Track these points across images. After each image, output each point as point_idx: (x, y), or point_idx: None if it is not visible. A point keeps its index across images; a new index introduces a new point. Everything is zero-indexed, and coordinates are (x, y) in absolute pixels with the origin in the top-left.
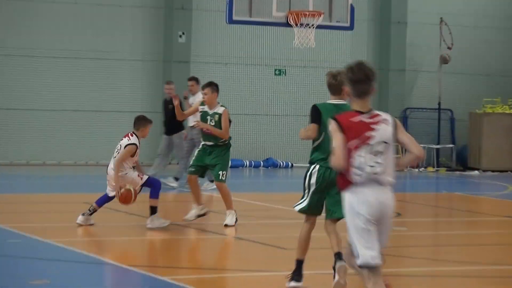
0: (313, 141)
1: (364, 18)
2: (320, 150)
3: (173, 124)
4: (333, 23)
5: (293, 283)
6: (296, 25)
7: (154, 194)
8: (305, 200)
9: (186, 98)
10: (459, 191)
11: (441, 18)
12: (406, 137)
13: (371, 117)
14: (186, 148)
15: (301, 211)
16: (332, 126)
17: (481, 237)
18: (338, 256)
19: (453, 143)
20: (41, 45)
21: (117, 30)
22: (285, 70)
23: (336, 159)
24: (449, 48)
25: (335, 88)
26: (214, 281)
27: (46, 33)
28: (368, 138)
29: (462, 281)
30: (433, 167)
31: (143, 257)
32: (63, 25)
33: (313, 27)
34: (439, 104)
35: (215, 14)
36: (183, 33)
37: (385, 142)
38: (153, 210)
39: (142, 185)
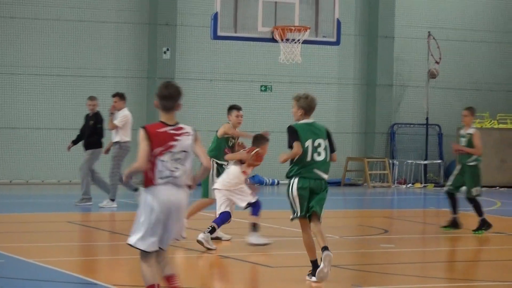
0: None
1: (351, 32)
2: (298, 164)
3: (92, 139)
4: (320, 38)
5: (314, 278)
6: (282, 40)
7: (256, 212)
8: (296, 211)
9: (112, 114)
10: (447, 208)
11: (429, 32)
12: (199, 150)
13: (176, 129)
14: (113, 164)
15: (293, 219)
16: (141, 134)
17: (469, 253)
18: (325, 248)
19: (441, 158)
20: (24, 62)
21: (101, 46)
22: (271, 86)
23: (139, 162)
24: (437, 62)
25: (307, 109)
26: None
27: (29, 50)
28: (171, 146)
29: None
30: (421, 183)
31: (127, 277)
32: (46, 42)
33: (299, 42)
34: (427, 119)
35: (199, 30)
36: (168, 50)
37: (185, 151)
38: (255, 227)
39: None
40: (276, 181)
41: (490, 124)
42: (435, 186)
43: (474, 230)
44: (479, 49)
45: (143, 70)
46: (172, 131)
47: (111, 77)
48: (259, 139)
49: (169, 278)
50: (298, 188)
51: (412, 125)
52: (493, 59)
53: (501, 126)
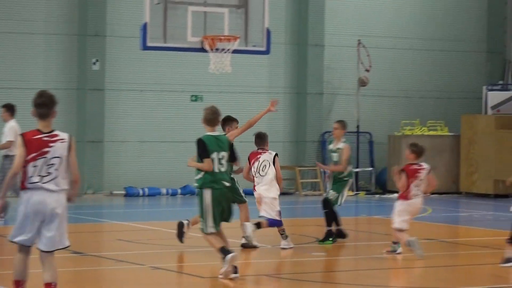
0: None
1: (281, 41)
2: (207, 175)
3: None
4: (249, 48)
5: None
6: (212, 50)
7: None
8: (208, 220)
9: None
10: (378, 215)
11: (358, 40)
12: (72, 159)
13: (50, 136)
14: None
15: (208, 232)
16: (18, 141)
17: (401, 261)
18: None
19: (372, 166)
20: None
21: (29, 58)
22: (202, 96)
23: (14, 167)
24: (367, 70)
25: (213, 121)
26: None
27: None
28: (44, 153)
29: None
30: (352, 191)
31: None
32: None
33: (229, 52)
34: (357, 127)
35: (129, 41)
36: (97, 60)
37: (58, 157)
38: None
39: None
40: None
41: (421, 131)
42: (366, 194)
43: (320, 240)
44: (409, 57)
45: (73, 82)
46: (46, 138)
47: (40, 89)
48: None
49: (45, 286)
50: (211, 199)
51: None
52: (422, 67)
53: (431, 133)
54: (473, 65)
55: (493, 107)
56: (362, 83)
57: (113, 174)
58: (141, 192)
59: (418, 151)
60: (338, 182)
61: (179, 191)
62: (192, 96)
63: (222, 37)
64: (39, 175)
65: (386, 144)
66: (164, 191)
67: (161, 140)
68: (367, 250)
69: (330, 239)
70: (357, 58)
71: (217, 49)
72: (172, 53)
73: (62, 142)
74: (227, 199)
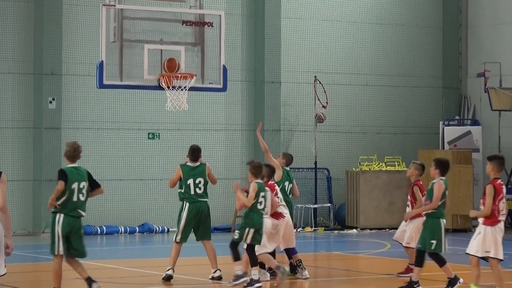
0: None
1: (238, 78)
2: (66, 202)
3: None
4: (206, 85)
5: None
6: (168, 88)
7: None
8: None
9: None
10: (337, 251)
11: (315, 76)
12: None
13: None
14: None
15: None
16: None
17: None
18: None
19: (331, 202)
20: None
21: None
22: (159, 133)
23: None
24: (323, 106)
25: (73, 155)
26: None
27: None
28: None
29: None
30: (311, 227)
31: None
32: None
33: (186, 90)
34: (315, 163)
35: (85, 79)
36: (53, 99)
37: None
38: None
39: None
40: (166, 228)
41: (378, 167)
42: (325, 230)
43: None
44: (365, 93)
45: (29, 121)
46: None
47: None
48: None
49: None
50: (63, 226)
51: (301, 169)
52: (378, 102)
53: (389, 168)
54: (429, 101)
55: (449, 142)
56: (319, 119)
57: None
58: (98, 230)
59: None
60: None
61: (137, 229)
62: (149, 134)
63: (179, 75)
64: None
65: (344, 179)
66: (122, 229)
67: (118, 178)
68: (326, 285)
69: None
70: (313, 95)
71: (173, 87)
72: (128, 91)
73: None
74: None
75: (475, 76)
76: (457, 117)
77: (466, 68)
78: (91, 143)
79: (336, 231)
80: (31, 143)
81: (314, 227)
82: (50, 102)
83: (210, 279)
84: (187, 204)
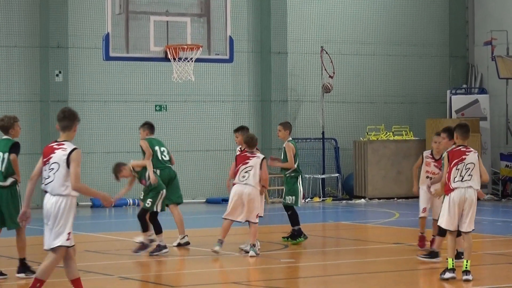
0: None
1: (244, 49)
2: None
3: None
4: (212, 56)
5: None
6: (175, 59)
7: None
8: None
9: None
10: (346, 220)
11: (321, 47)
12: (71, 171)
13: (58, 145)
14: None
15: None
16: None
17: (370, 265)
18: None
19: (339, 172)
20: None
21: None
22: (166, 105)
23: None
24: (330, 77)
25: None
26: None
27: None
28: (50, 158)
29: None
30: (319, 197)
31: None
32: None
33: (192, 61)
34: (323, 133)
35: (91, 52)
36: (60, 72)
37: (56, 163)
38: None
39: None
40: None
41: (386, 136)
42: (333, 200)
43: (285, 237)
44: (372, 62)
45: (35, 94)
46: (55, 146)
47: (3, 102)
48: None
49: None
50: None
51: (308, 140)
52: (385, 72)
53: (396, 138)
54: (437, 70)
55: (457, 111)
56: (326, 89)
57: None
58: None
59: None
60: (287, 181)
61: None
62: (157, 106)
63: (185, 46)
64: (45, 178)
65: (352, 149)
66: (130, 201)
67: (126, 151)
68: (335, 256)
69: (301, 238)
70: (320, 65)
71: (180, 58)
72: (135, 63)
73: (63, 150)
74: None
75: (482, 44)
76: (464, 86)
77: (473, 37)
78: (98, 116)
79: (344, 201)
80: (38, 116)
81: (322, 197)
82: (57, 75)
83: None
84: None
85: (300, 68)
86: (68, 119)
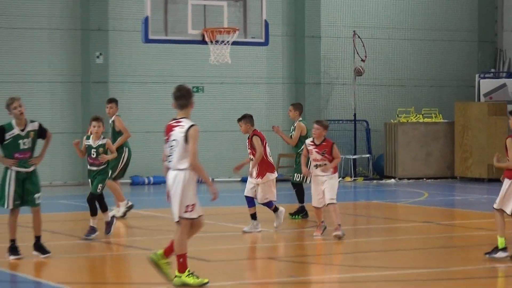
0: None
1: (279, 33)
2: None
3: None
4: (248, 39)
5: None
6: (212, 42)
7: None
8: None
9: None
10: (376, 199)
11: (354, 31)
12: (189, 147)
13: (176, 122)
14: None
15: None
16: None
17: (399, 243)
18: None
19: (370, 153)
20: None
21: (35, 53)
22: (203, 87)
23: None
24: (362, 60)
25: None
26: None
27: None
28: (170, 136)
29: (383, 285)
30: (351, 176)
31: (70, 275)
32: None
33: (229, 44)
34: (354, 115)
35: (131, 34)
36: (101, 54)
37: (175, 140)
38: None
39: None
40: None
41: (416, 119)
42: (364, 179)
43: (291, 214)
44: (403, 47)
45: (77, 75)
46: (173, 123)
47: (46, 82)
48: None
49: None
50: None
51: (340, 121)
52: (416, 56)
53: (426, 120)
54: (465, 54)
55: (485, 95)
56: (358, 72)
57: None
58: (146, 180)
59: None
60: (297, 159)
61: None
62: (194, 87)
63: (222, 30)
64: (167, 156)
65: (382, 131)
66: None
67: (163, 131)
68: (366, 233)
69: (301, 215)
70: (353, 49)
71: (217, 41)
72: (173, 45)
73: (181, 128)
74: None
75: (511, 30)
76: (492, 70)
77: (501, 22)
78: (138, 97)
79: (375, 181)
80: (80, 96)
81: (354, 177)
82: (97, 57)
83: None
84: None
85: (333, 52)
86: (185, 97)
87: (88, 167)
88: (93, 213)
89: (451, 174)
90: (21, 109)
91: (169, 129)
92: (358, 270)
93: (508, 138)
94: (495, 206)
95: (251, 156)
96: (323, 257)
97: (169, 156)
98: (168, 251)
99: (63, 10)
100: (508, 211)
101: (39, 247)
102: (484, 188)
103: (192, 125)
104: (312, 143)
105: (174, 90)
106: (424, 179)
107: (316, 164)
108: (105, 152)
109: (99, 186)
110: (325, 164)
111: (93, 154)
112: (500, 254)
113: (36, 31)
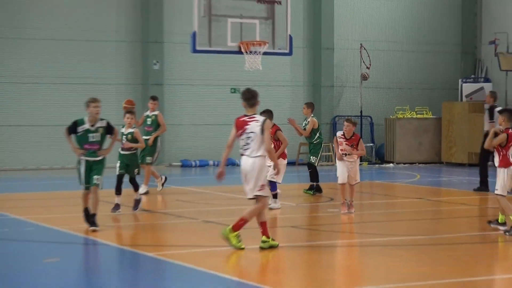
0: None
1: (300, 45)
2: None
3: None
4: (276, 50)
5: None
6: (246, 52)
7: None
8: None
9: None
10: (378, 180)
11: (361, 44)
12: (265, 137)
13: (250, 118)
14: None
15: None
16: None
17: (397, 215)
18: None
19: (373, 142)
20: (46, 73)
21: (104, 60)
22: (239, 88)
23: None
24: (367, 68)
25: None
26: (191, 254)
27: (50, 64)
28: (245, 129)
29: (386, 249)
30: None
31: (131, 238)
32: (60, 58)
33: (260, 54)
34: (361, 112)
35: (182, 46)
36: (157, 62)
37: (253, 132)
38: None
39: None
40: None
41: (410, 115)
42: (368, 164)
43: (306, 190)
44: (400, 57)
45: (138, 78)
46: (247, 119)
47: (113, 84)
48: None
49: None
50: None
51: (349, 117)
52: (410, 65)
53: (418, 116)
54: (451, 63)
55: (466, 96)
56: (364, 78)
57: (171, 150)
58: (193, 163)
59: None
60: (315, 147)
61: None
62: (231, 88)
63: (254, 42)
64: (243, 145)
65: (383, 125)
66: (211, 162)
67: (208, 123)
68: (370, 207)
69: (312, 190)
70: (359, 58)
71: (250, 52)
72: (215, 55)
73: (255, 122)
74: None
75: (488, 43)
76: (472, 76)
77: (480, 38)
78: (187, 96)
79: (377, 165)
80: (140, 96)
81: (360, 161)
82: (155, 64)
83: None
84: None
85: (344, 61)
86: (253, 97)
87: (120, 151)
88: (118, 192)
89: (439, 160)
90: (98, 110)
91: (244, 123)
92: (363, 236)
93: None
94: (497, 192)
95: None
96: (334, 226)
97: (245, 145)
98: (237, 226)
99: (127, 26)
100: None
101: (91, 221)
102: (465, 171)
103: (265, 119)
104: (342, 137)
105: (244, 92)
106: (417, 163)
107: (345, 153)
108: (133, 140)
109: (135, 170)
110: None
111: (124, 140)
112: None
113: (106, 43)
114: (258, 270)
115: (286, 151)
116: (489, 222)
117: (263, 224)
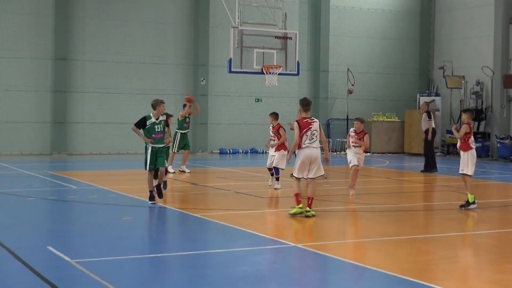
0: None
1: (305, 68)
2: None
3: None
4: (287, 72)
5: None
6: (266, 73)
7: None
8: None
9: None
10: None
11: (348, 68)
12: (321, 132)
13: (311, 119)
14: None
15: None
16: (296, 124)
17: (373, 189)
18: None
19: None
20: (124, 86)
21: (166, 79)
22: (261, 98)
23: (295, 139)
24: (352, 85)
25: (153, 107)
26: (226, 216)
27: (124, 77)
28: (310, 128)
29: (370, 214)
30: (344, 151)
31: (183, 203)
32: (136, 75)
33: (276, 74)
34: (347, 116)
35: (221, 68)
36: (204, 79)
37: (316, 130)
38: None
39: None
40: (260, 150)
41: (382, 119)
42: None
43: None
44: (376, 77)
45: (190, 91)
46: (309, 120)
47: (172, 95)
48: None
49: (308, 198)
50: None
51: (339, 120)
52: (383, 83)
53: (388, 119)
54: (412, 82)
55: None
56: (350, 92)
57: (213, 141)
58: (228, 151)
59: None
60: None
61: (248, 151)
62: (256, 99)
63: (272, 66)
64: (308, 140)
65: (364, 126)
66: (241, 151)
67: (239, 123)
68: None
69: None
70: (347, 78)
71: (269, 72)
72: (245, 74)
73: (316, 123)
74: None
75: (438, 68)
76: (427, 91)
77: (433, 64)
78: (225, 104)
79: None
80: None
81: (344, 152)
82: (202, 80)
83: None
84: None
85: (336, 80)
86: (308, 104)
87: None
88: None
89: (402, 150)
90: (164, 108)
91: (309, 123)
92: (349, 205)
93: (463, 124)
94: (461, 172)
95: (274, 138)
96: (327, 197)
97: (312, 139)
98: (310, 204)
99: (182, 53)
100: (470, 173)
101: (159, 190)
102: (420, 159)
103: (318, 121)
104: (353, 132)
105: (302, 100)
106: (387, 153)
107: (354, 145)
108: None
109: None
110: (359, 146)
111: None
112: (471, 206)
113: (168, 65)
114: (276, 228)
115: (286, 144)
116: (461, 206)
117: (309, 199)
